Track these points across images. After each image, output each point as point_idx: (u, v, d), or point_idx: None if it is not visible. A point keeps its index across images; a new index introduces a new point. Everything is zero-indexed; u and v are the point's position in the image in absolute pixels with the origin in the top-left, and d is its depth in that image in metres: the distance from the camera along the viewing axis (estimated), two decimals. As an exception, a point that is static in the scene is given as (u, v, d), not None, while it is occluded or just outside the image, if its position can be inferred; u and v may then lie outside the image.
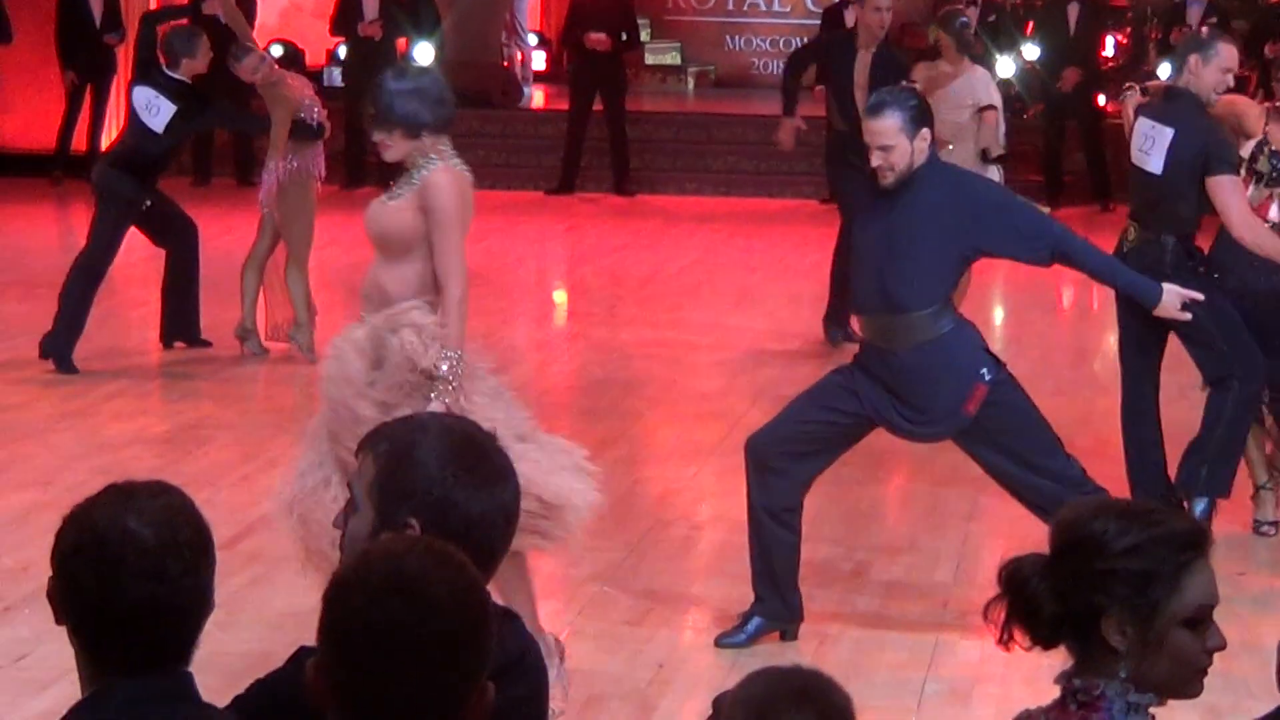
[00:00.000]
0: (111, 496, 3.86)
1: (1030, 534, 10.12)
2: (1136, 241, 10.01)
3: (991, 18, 22.47)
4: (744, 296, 16.75)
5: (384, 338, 7.57)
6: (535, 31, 26.70)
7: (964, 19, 15.20)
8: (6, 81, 22.40)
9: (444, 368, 7.49)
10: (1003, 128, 14.68)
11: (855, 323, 9.16)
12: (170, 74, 13.74)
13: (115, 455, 11.27)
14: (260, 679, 4.28)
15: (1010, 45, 22.41)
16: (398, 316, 7.59)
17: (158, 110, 13.65)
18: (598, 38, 22.25)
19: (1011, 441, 8.60)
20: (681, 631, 9.00)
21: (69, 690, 3.92)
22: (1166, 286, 8.63)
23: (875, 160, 8.37)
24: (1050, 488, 8.44)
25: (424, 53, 23.95)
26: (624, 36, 22.71)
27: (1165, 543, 4.28)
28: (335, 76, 23.64)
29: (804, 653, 8.53)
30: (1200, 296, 8.70)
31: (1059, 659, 8.22)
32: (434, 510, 4.14)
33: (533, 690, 4.36)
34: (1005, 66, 22.16)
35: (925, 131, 8.37)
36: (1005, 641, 4.38)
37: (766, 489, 8.67)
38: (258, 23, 23.09)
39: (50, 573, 3.84)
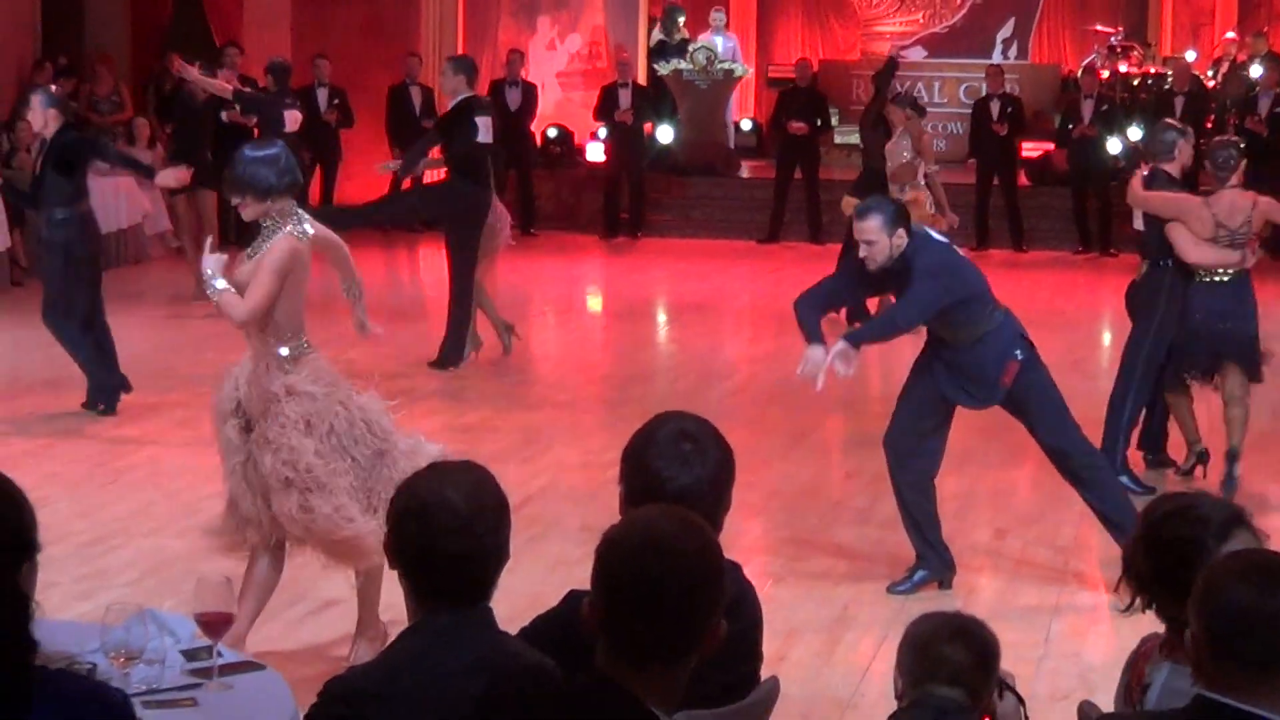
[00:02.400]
0: (433, 471, 3.90)
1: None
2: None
3: (1104, 108, 22.28)
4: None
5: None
6: (750, 118, 26.69)
7: (902, 97, 16.86)
8: (349, 156, 22.68)
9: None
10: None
11: None
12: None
13: (430, 440, 11.32)
14: (540, 615, 4.30)
15: (1118, 129, 22.21)
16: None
17: (487, 127, 13.71)
18: (798, 126, 22.24)
19: (1038, 409, 8.58)
20: (861, 580, 8.93)
21: (398, 618, 3.96)
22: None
23: (862, 251, 8.27)
24: (1067, 457, 8.63)
25: (665, 134, 24.03)
26: (819, 122, 22.66)
27: (1196, 540, 4.09)
28: (598, 153, 23.73)
29: (957, 597, 8.46)
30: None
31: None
32: (648, 483, 4.19)
33: (750, 624, 4.36)
34: (1114, 145, 21.97)
35: (901, 231, 8.16)
36: (1128, 609, 4.29)
37: (906, 469, 8.61)
38: (539, 111, 23.30)
39: (386, 530, 3.88)
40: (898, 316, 8.70)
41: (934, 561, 8.63)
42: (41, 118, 11.75)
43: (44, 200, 11.83)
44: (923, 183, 15.59)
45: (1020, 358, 8.48)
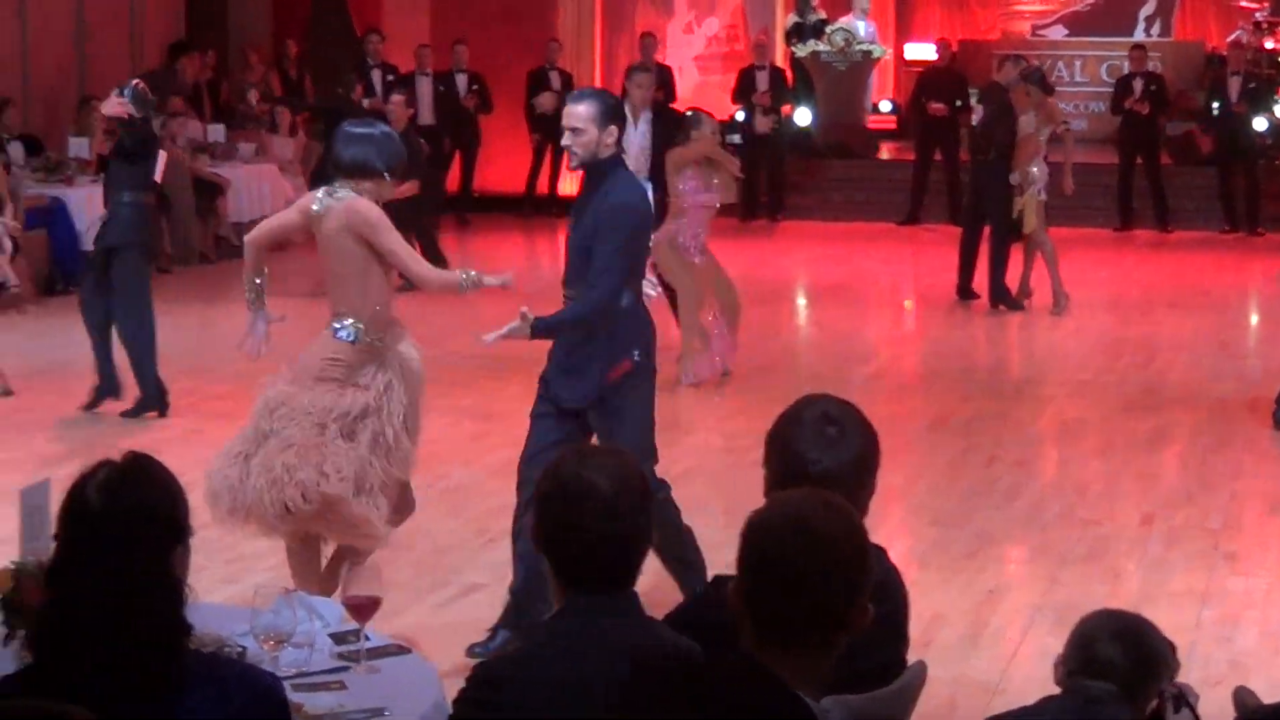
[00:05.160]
0: (575, 455, 3.90)
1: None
2: None
3: (1251, 85, 22.03)
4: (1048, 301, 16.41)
5: None
6: (889, 99, 26.53)
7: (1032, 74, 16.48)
8: (489, 141, 22.82)
9: None
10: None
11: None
12: None
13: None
14: (684, 600, 4.29)
15: (1265, 107, 21.94)
16: None
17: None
18: (936, 107, 22.12)
19: (621, 428, 7.24)
20: (1006, 565, 8.87)
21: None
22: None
23: (565, 139, 7.24)
24: None
25: (802, 116, 23.95)
26: (958, 103, 22.49)
27: None
28: (735, 137, 23.69)
29: (1104, 583, 8.37)
30: None
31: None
32: (792, 467, 4.18)
33: (895, 607, 4.33)
34: (1260, 123, 21.71)
35: (613, 129, 7.21)
36: None
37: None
38: (678, 94, 23.24)
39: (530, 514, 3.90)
40: (599, 284, 7.21)
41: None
42: (117, 108, 11.75)
43: (111, 184, 11.89)
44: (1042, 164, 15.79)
45: (637, 360, 7.30)
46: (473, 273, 7.28)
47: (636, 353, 7.29)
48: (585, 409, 7.29)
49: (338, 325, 7.10)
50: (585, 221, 7.29)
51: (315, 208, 7.09)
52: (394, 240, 7.08)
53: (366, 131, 7.12)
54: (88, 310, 11.99)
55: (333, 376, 7.06)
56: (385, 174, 7.07)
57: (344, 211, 7.03)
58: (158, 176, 12.11)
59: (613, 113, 7.30)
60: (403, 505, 7.41)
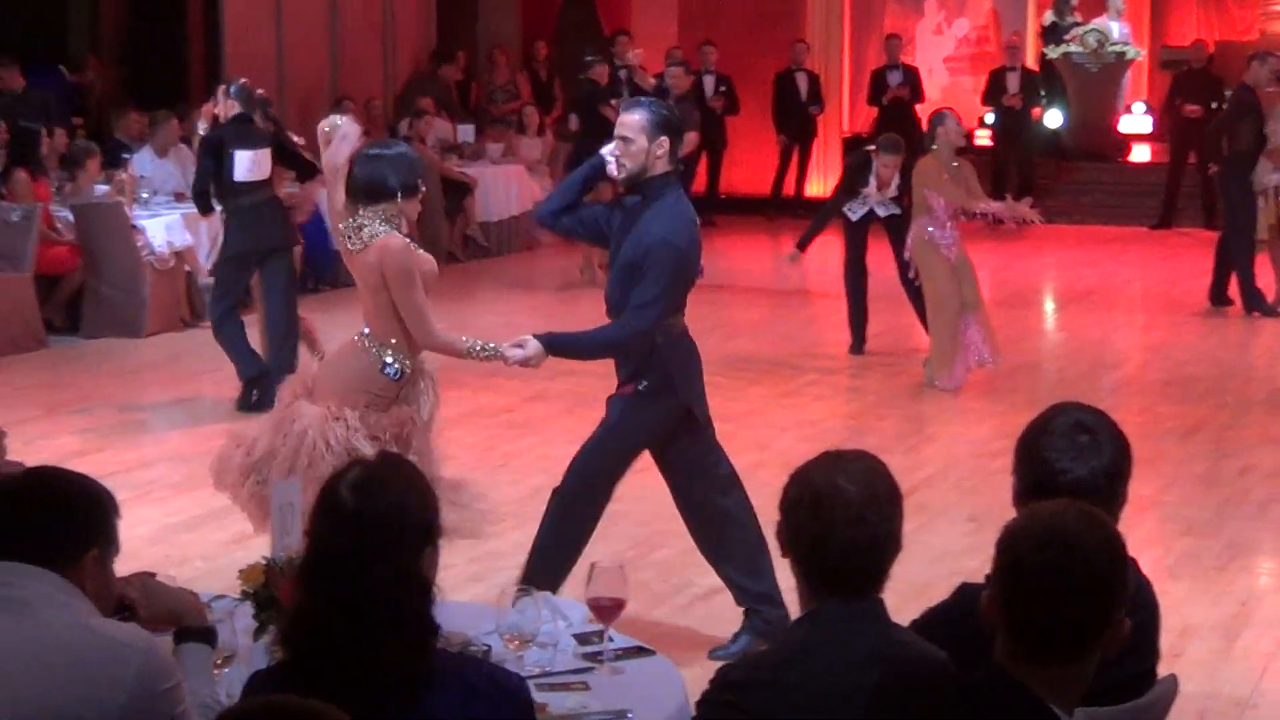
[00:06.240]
0: (825, 460, 3.87)
1: None
2: None
3: None
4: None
5: None
6: (1143, 101, 26.09)
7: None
8: (735, 142, 22.84)
9: None
10: None
11: None
12: None
13: (815, 427, 11.36)
14: (931, 607, 4.26)
15: None
16: None
17: None
18: (1191, 109, 21.73)
19: (594, 437, 7.28)
20: (1258, 577, 8.68)
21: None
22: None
23: (614, 148, 6.91)
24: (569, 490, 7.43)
25: (1053, 118, 23.68)
26: (1214, 105, 22.07)
27: None
28: (986, 138, 23.47)
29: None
30: None
31: None
32: (1042, 475, 4.14)
33: (1147, 619, 4.27)
34: None
35: (664, 140, 6.85)
36: None
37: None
38: (925, 95, 23.05)
39: (778, 516, 3.88)
40: (638, 317, 6.95)
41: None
42: (224, 106, 11.86)
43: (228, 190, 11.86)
44: None
45: (640, 389, 7.10)
46: (482, 345, 6.80)
47: (644, 383, 7.05)
48: None
49: (388, 360, 6.79)
50: (629, 244, 6.96)
51: (350, 245, 6.79)
52: (411, 296, 6.73)
53: (379, 152, 6.81)
54: (231, 335, 12.01)
55: (379, 409, 6.76)
56: (399, 193, 6.73)
57: (378, 251, 6.72)
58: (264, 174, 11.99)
59: (666, 124, 6.92)
60: None
